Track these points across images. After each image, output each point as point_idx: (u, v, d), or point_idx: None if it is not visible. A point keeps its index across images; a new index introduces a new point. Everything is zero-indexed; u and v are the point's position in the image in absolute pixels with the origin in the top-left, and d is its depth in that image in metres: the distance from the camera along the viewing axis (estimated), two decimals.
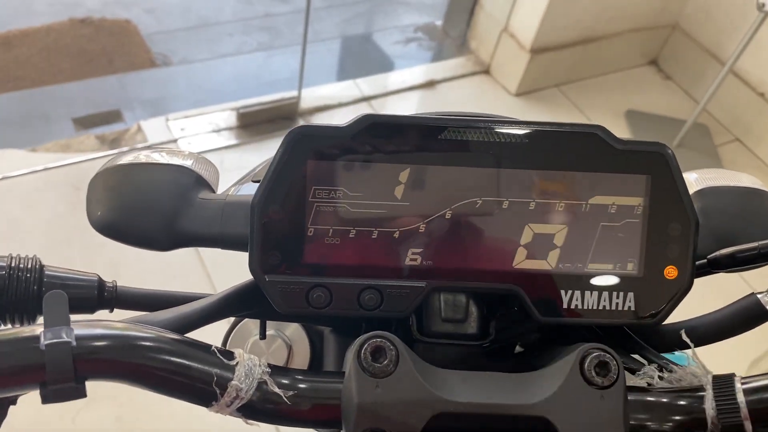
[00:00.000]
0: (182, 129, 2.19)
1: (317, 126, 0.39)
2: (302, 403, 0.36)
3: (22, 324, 0.42)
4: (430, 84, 2.55)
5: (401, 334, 0.44)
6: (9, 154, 2.03)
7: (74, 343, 0.31)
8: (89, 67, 2.40)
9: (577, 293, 0.41)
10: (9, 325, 0.42)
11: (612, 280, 0.41)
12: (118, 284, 0.45)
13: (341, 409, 0.35)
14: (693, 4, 2.67)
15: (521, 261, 0.40)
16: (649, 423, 0.37)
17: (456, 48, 2.78)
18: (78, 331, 0.31)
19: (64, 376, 0.30)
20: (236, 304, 0.43)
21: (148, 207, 0.45)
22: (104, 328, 0.32)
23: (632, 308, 0.41)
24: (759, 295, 0.43)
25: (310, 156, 0.39)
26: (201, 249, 1.84)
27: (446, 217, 0.40)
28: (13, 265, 0.41)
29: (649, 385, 0.40)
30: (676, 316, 0.45)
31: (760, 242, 0.43)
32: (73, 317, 0.33)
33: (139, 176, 0.46)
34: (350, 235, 0.40)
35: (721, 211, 0.50)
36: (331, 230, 0.40)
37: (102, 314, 0.43)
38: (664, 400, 0.38)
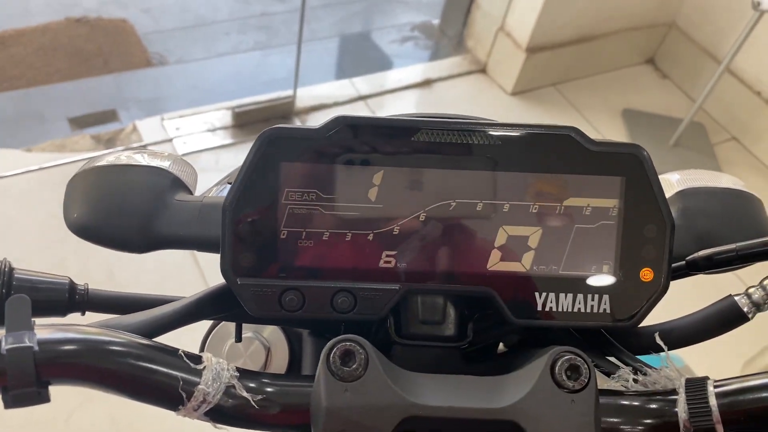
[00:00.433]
0: (177, 128, 2.19)
1: (290, 127, 0.39)
2: (271, 407, 0.35)
3: None
4: (426, 83, 2.55)
5: (380, 337, 0.44)
6: (4, 154, 2.03)
7: (36, 348, 0.30)
8: (85, 67, 2.40)
9: (552, 295, 0.40)
10: None
11: (587, 282, 0.40)
12: (90, 287, 0.45)
13: (310, 413, 0.35)
14: (689, 3, 2.66)
15: (495, 263, 0.40)
16: (621, 426, 0.37)
17: (452, 47, 2.77)
18: (41, 335, 0.31)
19: (25, 381, 0.30)
20: (209, 308, 0.43)
21: (124, 209, 0.44)
22: (68, 332, 0.32)
23: (608, 311, 0.40)
24: (736, 297, 0.43)
25: (283, 158, 0.39)
26: (196, 251, 1.84)
27: (420, 219, 0.40)
28: None
29: (624, 388, 0.40)
30: (659, 317, 0.45)
31: (738, 244, 0.43)
32: (42, 320, 0.33)
33: (115, 178, 0.46)
34: (323, 238, 0.40)
35: (701, 212, 0.50)
36: (304, 233, 0.40)
37: (73, 317, 0.43)
38: (637, 403, 0.37)
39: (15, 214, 1.86)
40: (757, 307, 0.42)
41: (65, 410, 1.51)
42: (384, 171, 0.40)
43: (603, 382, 0.40)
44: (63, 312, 0.44)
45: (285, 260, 0.39)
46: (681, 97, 2.73)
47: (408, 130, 0.39)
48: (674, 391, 0.37)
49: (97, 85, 2.36)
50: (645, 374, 0.40)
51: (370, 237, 0.40)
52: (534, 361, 0.36)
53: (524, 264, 0.40)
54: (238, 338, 0.48)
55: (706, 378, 0.37)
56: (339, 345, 0.35)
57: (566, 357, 0.35)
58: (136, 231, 0.44)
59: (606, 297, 0.40)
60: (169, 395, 0.34)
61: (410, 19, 2.94)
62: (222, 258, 0.39)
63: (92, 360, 0.32)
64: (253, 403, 0.35)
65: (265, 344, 0.51)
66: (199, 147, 2.13)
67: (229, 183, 0.49)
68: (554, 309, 0.40)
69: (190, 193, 0.49)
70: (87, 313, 0.45)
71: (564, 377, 0.35)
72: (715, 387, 0.36)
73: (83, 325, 0.34)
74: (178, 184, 0.47)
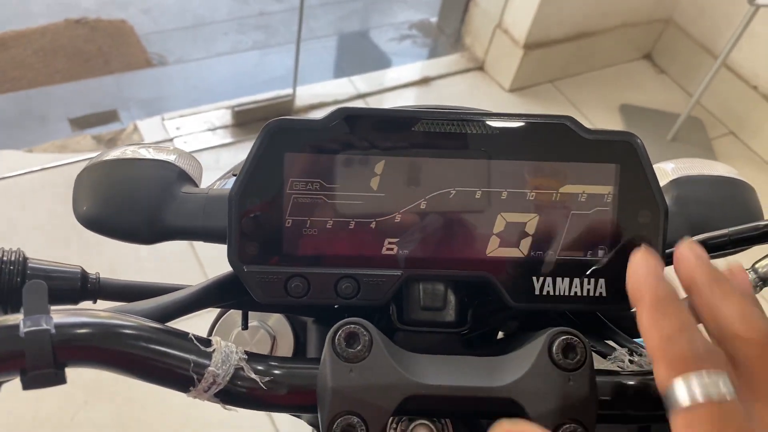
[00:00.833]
0: (178, 128, 2.20)
1: (294, 119, 0.40)
2: (278, 389, 0.37)
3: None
4: (424, 81, 2.56)
5: (383, 324, 0.45)
6: (5, 155, 2.04)
7: (53, 331, 0.31)
8: (85, 68, 2.41)
9: (549, 279, 0.41)
10: None
11: (583, 266, 0.42)
12: (101, 276, 0.46)
13: (317, 393, 0.36)
14: None
15: (494, 249, 0.41)
16: (617, 404, 0.38)
17: (450, 45, 2.78)
18: (57, 319, 0.32)
19: (43, 362, 0.31)
20: (216, 295, 0.44)
21: (132, 201, 0.46)
22: (83, 316, 0.33)
23: (603, 294, 0.42)
24: None
25: (287, 149, 0.40)
26: (197, 247, 1.85)
27: (421, 207, 0.41)
28: None
29: (620, 368, 0.41)
30: None
31: (730, 229, 0.44)
32: (55, 308, 0.34)
33: (123, 171, 0.48)
34: (327, 226, 0.41)
35: (695, 199, 0.51)
36: (308, 221, 0.41)
37: (85, 305, 0.44)
38: (632, 382, 0.39)
39: (17, 215, 1.87)
40: None
41: (70, 409, 1.52)
42: (385, 161, 0.41)
43: (599, 364, 0.41)
44: (75, 300, 0.45)
45: (290, 248, 0.41)
46: (678, 93, 2.74)
47: (408, 121, 0.41)
48: None
49: (97, 86, 2.37)
50: (640, 355, 0.41)
51: (373, 225, 0.41)
52: (532, 342, 0.37)
53: (522, 250, 0.42)
54: (245, 326, 0.49)
55: None
56: (344, 327, 0.36)
57: (563, 337, 0.36)
58: (144, 222, 0.45)
59: (602, 281, 0.41)
60: (180, 377, 0.35)
61: (408, 17, 2.95)
62: (229, 247, 0.40)
63: (106, 343, 0.33)
64: (261, 385, 0.36)
65: (270, 332, 0.52)
66: (200, 146, 2.14)
67: (234, 175, 0.51)
68: (551, 293, 0.42)
69: (196, 185, 0.50)
70: (98, 301, 0.47)
71: (561, 356, 0.36)
72: None
73: (97, 309, 0.35)
74: (184, 177, 0.49)
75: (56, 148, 2.10)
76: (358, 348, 0.36)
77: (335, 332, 0.36)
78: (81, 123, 2.24)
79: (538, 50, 2.50)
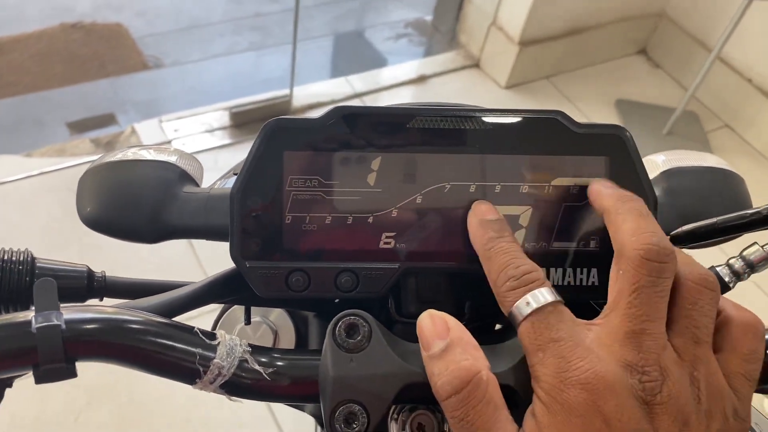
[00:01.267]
0: (176, 130, 2.21)
1: (292, 118, 0.41)
2: (281, 380, 0.38)
3: None
4: (421, 79, 2.57)
5: (382, 317, 0.46)
6: (4, 160, 2.06)
7: (64, 326, 0.33)
8: (82, 72, 2.42)
9: (543, 270, 0.42)
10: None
11: (576, 257, 0.43)
12: (107, 275, 0.47)
13: (319, 383, 0.37)
14: None
15: None
16: None
17: (446, 43, 2.80)
18: (67, 315, 0.33)
19: (55, 357, 0.32)
20: (219, 290, 0.45)
21: (135, 201, 0.47)
22: (92, 312, 0.34)
23: (596, 283, 0.43)
24: (718, 268, 0.45)
25: (286, 147, 0.41)
26: (196, 248, 1.86)
27: (417, 201, 0.42)
28: (5, 258, 0.43)
29: None
30: None
31: (718, 218, 0.45)
32: (65, 305, 0.35)
33: (125, 172, 0.49)
34: (326, 222, 0.42)
35: (685, 190, 0.52)
36: (308, 217, 0.42)
37: (92, 303, 0.45)
38: None
39: (17, 219, 1.88)
40: (738, 276, 0.44)
41: (74, 410, 1.53)
42: (382, 157, 0.42)
43: None
44: (82, 298, 0.46)
45: (290, 244, 0.42)
46: (673, 87, 2.76)
47: (403, 118, 0.42)
48: None
49: (94, 90, 2.38)
50: None
51: (370, 220, 0.42)
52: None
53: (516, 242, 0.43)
54: (247, 321, 0.51)
55: None
56: (344, 319, 0.37)
57: None
58: (147, 222, 0.46)
59: (594, 270, 0.43)
60: (186, 369, 0.36)
61: (403, 16, 2.96)
62: (231, 243, 0.41)
63: (115, 337, 0.34)
64: (265, 376, 0.37)
65: (272, 327, 0.53)
66: (198, 148, 2.15)
67: (235, 174, 0.52)
68: None
69: (197, 185, 0.51)
70: (105, 299, 0.48)
71: None
72: None
73: (105, 306, 0.36)
74: (185, 177, 0.50)
75: (55, 152, 2.11)
76: (358, 338, 0.37)
77: (336, 324, 0.37)
78: (79, 127, 2.25)
79: (533, 47, 2.51)
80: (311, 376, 0.38)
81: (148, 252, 1.78)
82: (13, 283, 0.43)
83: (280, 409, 1.59)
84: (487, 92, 2.57)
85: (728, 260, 0.45)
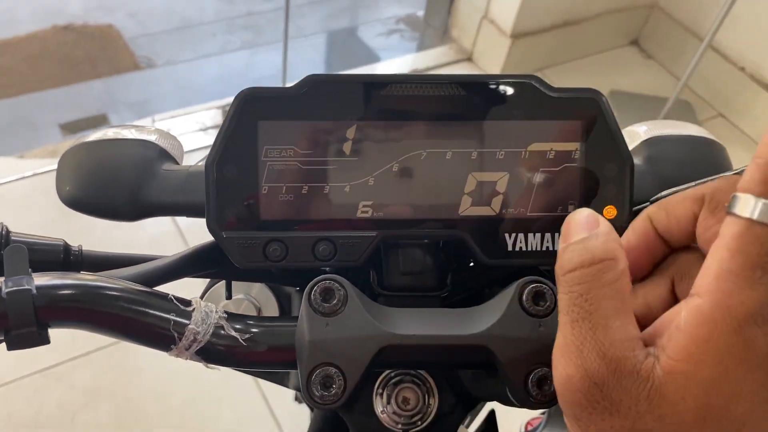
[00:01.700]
0: (169, 129, 2.21)
1: (265, 88, 0.41)
2: (258, 346, 0.38)
3: None
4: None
5: (366, 291, 0.46)
6: None
7: (35, 291, 0.32)
8: (74, 73, 2.42)
9: (521, 236, 0.42)
10: None
11: (554, 222, 0.43)
12: (83, 248, 0.47)
13: (295, 349, 0.37)
14: None
15: (466, 208, 0.42)
16: None
17: (438, 37, 2.80)
18: (38, 281, 0.33)
19: (25, 322, 0.32)
20: (198, 263, 0.45)
21: (114, 180, 0.47)
22: (65, 278, 0.34)
23: None
24: None
25: (260, 116, 0.41)
26: (185, 231, 1.85)
27: (393, 170, 0.42)
28: None
29: None
30: None
31: (696, 182, 0.45)
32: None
33: (104, 151, 0.48)
34: (303, 191, 0.42)
35: (666, 158, 0.52)
36: (284, 187, 0.42)
37: None
38: None
39: (11, 220, 1.86)
40: None
41: (70, 410, 1.53)
42: (357, 125, 0.42)
43: None
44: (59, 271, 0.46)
45: (267, 213, 0.42)
46: (666, 77, 2.76)
47: (378, 86, 0.42)
48: None
49: (86, 91, 2.38)
50: None
51: (347, 189, 0.42)
52: (503, 292, 0.38)
53: (494, 208, 0.43)
54: (228, 296, 0.50)
55: None
56: (320, 283, 0.37)
57: (532, 285, 0.37)
58: (127, 200, 0.46)
59: None
60: (161, 336, 0.36)
61: (395, 11, 2.96)
62: (207, 214, 0.41)
63: (88, 303, 0.34)
64: (242, 341, 0.37)
65: (255, 303, 0.53)
66: (192, 146, 2.15)
67: None
68: (524, 248, 0.43)
69: (177, 164, 0.51)
70: (82, 272, 0.47)
71: (531, 303, 0.37)
72: None
73: (79, 273, 0.36)
74: (165, 155, 0.50)
75: (48, 153, 2.11)
76: (334, 302, 0.37)
77: (311, 288, 0.37)
78: (72, 128, 2.25)
79: (526, 39, 2.51)
80: (288, 342, 0.38)
81: (140, 241, 1.77)
82: None
83: (279, 406, 1.59)
84: None
85: None
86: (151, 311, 0.36)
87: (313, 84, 0.41)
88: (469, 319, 0.38)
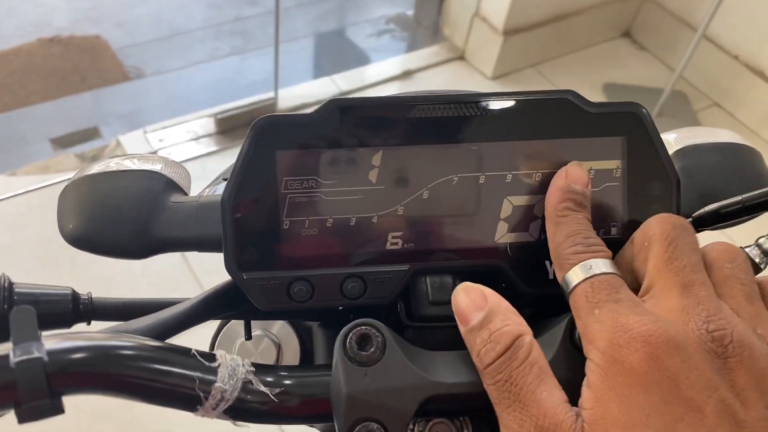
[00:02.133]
0: (161, 140, 2.17)
1: (283, 115, 0.38)
2: (290, 400, 0.35)
3: None
4: (406, 74, 2.54)
5: (392, 322, 0.43)
6: None
7: (46, 358, 0.29)
8: (62, 86, 2.38)
9: None
10: None
11: None
12: (93, 295, 0.44)
13: (331, 401, 0.34)
14: None
15: (503, 235, 0.40)
16: None
17: (429, 36, 2.77)
18: (49, 345, 0.30)
19: (37, 393, 0.29)
20: (216, 306, 0.42)
21: (119, 215, 0.43)
22: (77, 340, 0.31)
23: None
24: (747, 249, 0.42)
25: (279, 146, 0.38)
26: (190, 260, 1.82)
27: (423, 197, 0.39)
28: None
29: None
30: None
31: (744, 195, 0.42)
32: (48, 333, 0.32)
33: (107, 185, 0.45)
34: (327, 225, 0.39)
35: (703, 168, 0.50)
36: (307, 221, 0.39)
37: (79, 328, 0.42)
38: None
39: (5, 239, 1.84)
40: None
41: (77, 430, 1.49)
42: (383, 151, 0.39)
43: None
44: (68, 323, 0.43)
45: (290, 250, 0.39)
46: (660, 68, 2.74)
47: (404, 108, 0.39)
48: None
49: (76, 104, 2.34)
50: None
51: (375, 220, 0.39)
52: (552, 329, 0.36)
53: (532, 234, 0.40)
54: (248, 336, 0.47)
55: None
56: (355, 330, 0.34)
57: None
58: (134, 237, 0.43)
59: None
60: (186, 396, 0.33)
61: (384, 12, 2.93)
62: (225, 254, 0.38)
63: (104, 366, 0.31)
64: (272, 397, 0.34)
65: (275, 341, 0.50)
66: (185, 156, 2.11)
67: (225, 180, 0.48)
68: None
69: (185, 194, 0.48)
70: (93, 322, 0.44)
71: (569, 341, 0.34)
72: None
73: (92, 332, 0.33)
74: (172, 186, 0.47)
75: (39, 169, 2.07)
76: (371, 350, 0.34)
77: (346, 335, 0.34)
78: (63, 142, 2.20)
79: (518, 35, 2.48)
80: (322, 393, 0.35)
81: (142, 266, 1.74)
82: None
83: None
84: (473, 84, 2.55)
85: (757, 240, 0.42)
86: (174, 370, 0.32)
87: (334, 109, 0.38)
88: None
